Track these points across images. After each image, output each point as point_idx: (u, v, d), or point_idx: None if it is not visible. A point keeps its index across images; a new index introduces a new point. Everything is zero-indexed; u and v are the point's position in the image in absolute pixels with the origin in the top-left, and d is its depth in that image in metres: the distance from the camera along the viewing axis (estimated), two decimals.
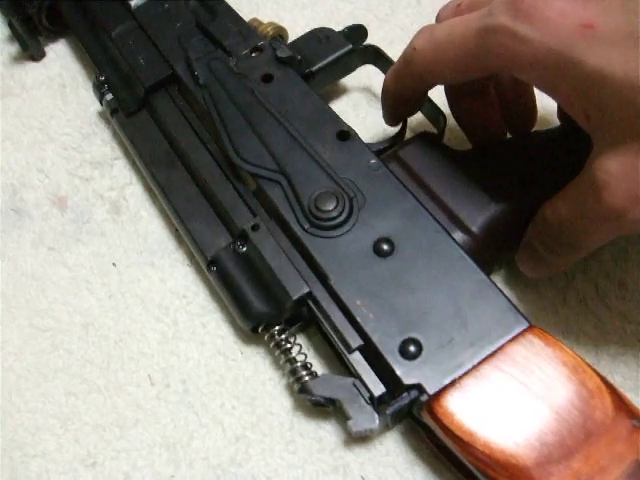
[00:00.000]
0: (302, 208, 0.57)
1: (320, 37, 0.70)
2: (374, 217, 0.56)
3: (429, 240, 0.54)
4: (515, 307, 0.51)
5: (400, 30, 0.80)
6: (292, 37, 0.73)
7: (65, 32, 0.86)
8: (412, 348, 0.50)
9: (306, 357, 0.58)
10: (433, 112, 0.65)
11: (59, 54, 0.85)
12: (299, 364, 0.56)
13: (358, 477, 0.56)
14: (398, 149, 0.61)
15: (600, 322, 0.59)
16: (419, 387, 0.49)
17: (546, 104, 0.61)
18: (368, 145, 0.60)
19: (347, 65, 0.71)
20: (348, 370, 0.54)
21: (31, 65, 0.84)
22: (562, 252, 0.53)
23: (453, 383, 0.48)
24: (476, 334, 0.50)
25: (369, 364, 0.52)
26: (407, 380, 0.49)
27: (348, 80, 0.75)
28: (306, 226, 0.57)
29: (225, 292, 0.60)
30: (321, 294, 0.55)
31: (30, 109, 0.80)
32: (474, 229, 0.56)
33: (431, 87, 0.59)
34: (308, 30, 0.72)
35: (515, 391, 0.47)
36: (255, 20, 0.73)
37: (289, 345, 0.58)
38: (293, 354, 0.57)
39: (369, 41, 0.72)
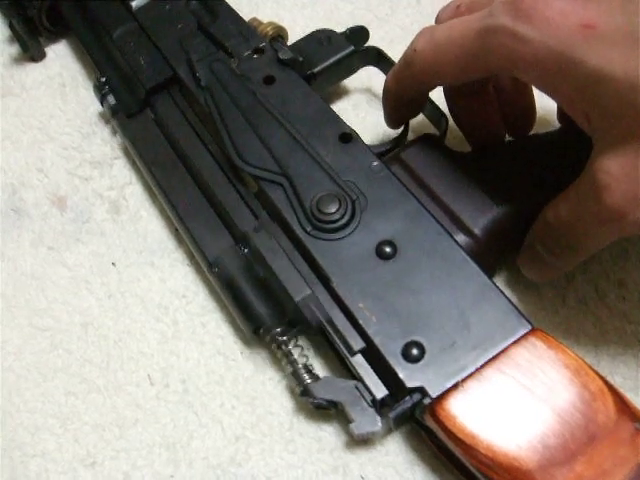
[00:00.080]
0: (304, 210, 0.57)
1: (322, 39, 0.70)
2: (376, 219, 0.56)
3: (431, 242, 0.54)
4: (518, 310, 0.51)
5: (400, 30, 0.80)
6: (292, 37, 0.73)
7: (66, 33, 0.86)
8: (415, 351, 0.50)
9: (308, 359, 0.57)
10: (434, 113, 0.65)
11: (59, 54, 0.85)
12: (301, 366, 0.56)
13: (358, 477, 0.56)
14: (400, 151, 0.61)
15: (600, 322, 0.59)
16: (422, 390, 0.49)
17: (546, 105, 0.61)
18: (370, 147, 0.60)
19: (349, 67, 0.71)
20: (350, 373, 0.54)
21: (31, 65, 0.84)
22: (563, 254, 0.53)
23: (456, 386, 0.48)
24: (479, 337, 0.50)
25: (371, 367, 0.52)
26: (410, 383, 0.49)
27: (349, 81, 0.75)
28: (308, 228, 0.57)
29: (227, 294, 0.60)
30: (323, 297, 0.55)
31: (30, 109, 0.80)
32: (476, 231, 0.56)
33: (432, 88, 0.59)
34: (308, 30, 0.72)
35: (518, 394, 0.47)
36: (255, 20, 0.73)
37: (291, 347, 0.58)
38: (295, 356, 0.57)
39: (369, 41, 0.72)
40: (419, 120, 0.66)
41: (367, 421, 0.52)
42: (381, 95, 0.63)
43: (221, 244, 0.62)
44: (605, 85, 0.44)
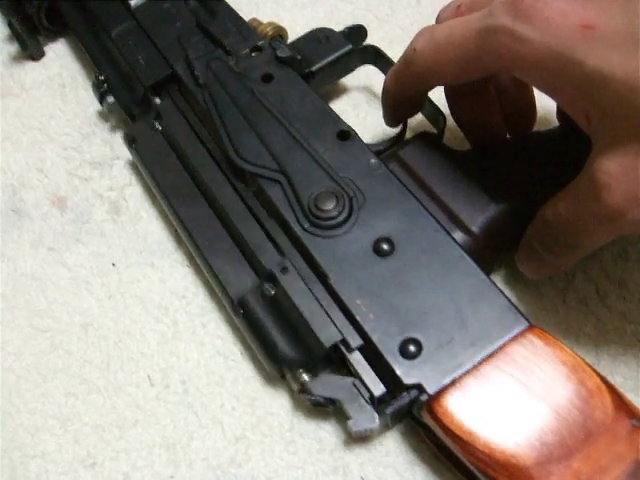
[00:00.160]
0: (302, 208, 0.57)
1: (320, 37, 0.70)
2: (374, 217, 0.56)
3: (429, 240, 0.54)
4: (515, 307, 0.51)
5: (400, 30, 0.80)
6: (292, 37, 0.73)
7: (65, 32, 0.86)
8: (412, 348, 0.50)
9: None
10: (433, 112, 0.65)
11: (58, 54, 0.85)
12: None
13: (358, 477, 0.56)
14: (398, 149, 0.62)
15: (600, 322, 0.59)
16: (419, 387, 0.49)
17: (546, 104, 0.61)
18: (368, 145, 0.60)
19: (347, 65, 0.71)
20: (348, 370, 0.54)
21: (30, 65, 0.84)
22: (561, 252, 0.53)
23: (453, 383, 0.48)
24: (476, 334, 0.50)
25: (369, 364, 0.52)
26: (407, 380, 0.49)
27: (348, 80, 0.75)
28: (306, 225, 0.57)
29: (252, 335, 0.59)
30: (321, 294, 0.55)
31: (30, 109, 0.80)
32: (474, 229, 0.56)
33: (431, 88, 0.59)
34: (308, 30, 0.72)
35: (515, 391, 0.47)
36: (255, 20, 0.73)
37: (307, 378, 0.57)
38: None
39: (369, 41, 0.72)
40: (417, 119, 0.66)
41: (365, 418, 0.52)
42: (380, 94, 0.62)
43: (245, 283, 0.60)
44: (605, 85, 0.44)
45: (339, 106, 0.75)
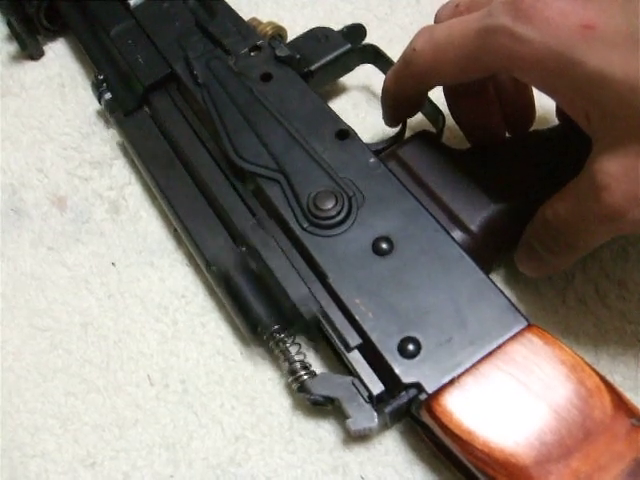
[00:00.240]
0: (301, 207, 0.57)
1: (319, 36, 0.70)
2: (373, 216, 0.56)
3: (428, 239, 0.54)
4: (514, 306, 0.51)
5: (399, 30, 0.80)
6: (292, 37, 0.73)
7: (64, 31, 0.86)
8: (411, 347, 0.50)
9: (305, 356, 0.57)
10: (432, 112, 0.65)
11: (58, 53, 0.85)
12: (298, 363, 0.56)
13: (357, 477, 0.56)
14: (397, 148, 0.61)
15: (600, 322, 0.59)
16: (418, 386, 0.49)
17: (545, 104, 0.61)
18: (367, 144, 0.60)
19: (346, 64, 0.71)
20: (347, 369, 0.55)
21: (30, 64, 0.84)
22: (561, 252, 0.53)
23: (452, 382, 0.48)
24: (475, 333, 0.50)
25: (368, 363, 0.52)
26: (406, 379, 0.49)
27: (347, 79, 0.75)
28: (305, 225, 0.57)
29: (224, 292, 0.60)
30: (320, 293, 0.55)
31: (29, 109, 0.80)
32: (473, 228, 0.56)
33: (431, 88, 0.59)
34: (307, 30, 0.72)
35: (514, 390, 0.47)
36: (254, 19, 0.74)
37: (288, 345, 0.57)
38: (292, 353, 0.57)
39: (368, 40, 0.72)
40: (417, 118, 0.66)
41: (364, 417, 0.52)
42: (380, 94, 0.62)
43: (219, 242, 0.61)
44: (605, 86, 0.44)
45: (338, 105, 0.75)
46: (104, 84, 0.74)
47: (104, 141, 0.76)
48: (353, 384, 0.53)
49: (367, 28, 0.73)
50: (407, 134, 0.64)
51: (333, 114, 0.62)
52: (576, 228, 0.50)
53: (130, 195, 0.72)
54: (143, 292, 0.66)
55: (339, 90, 0.76)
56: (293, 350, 0.57)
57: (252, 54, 0.67)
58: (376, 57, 0.70)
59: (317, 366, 0.59)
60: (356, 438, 0.56)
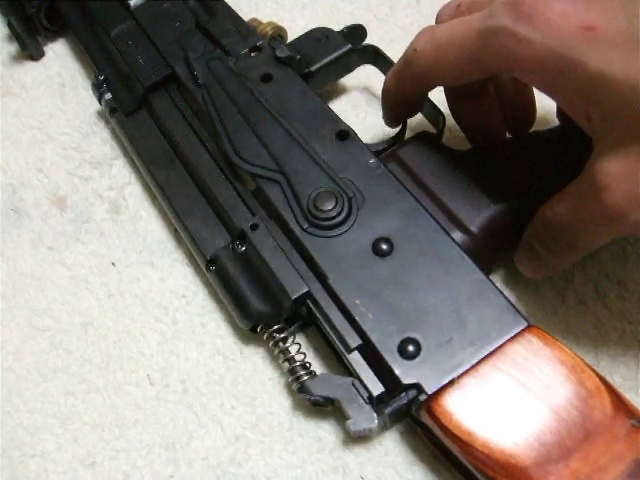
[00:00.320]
0: (301, 208, 0.57)
1: (319, 37, 0.70)
2: (373, 217, 0.56)
3: (428, 240, 0.54)
4: (514, 307, 0.51)
5: (400, 30, 0.80)
6: (291, 37, 0.73)
7: (64, 32, 0.86)
8: (411, 348, 0.50)
9: (305, 356, 0.57)
10: (432, 112, 0.65)
11: (58, 54, 0.85)
12: (298, 363, 0.56)
13: (357, 477, 0.56)
14: (397, 149, 0.62)
15: (599, 322, 0.59)
16: (418, 387, 0.49)
17: (545, 104, 0.61)
18: (367, 145, 0.60)
19: (346, 65, 0.71)
20: (347, 370, 0.55)
21: (30, 65, 0.84)
22: (561, 252, 0.53)
23: (452, 383, 0.48)
24: (475, 334, 0.50)
25: (368, 364, 0.52)
26: (406, 380, 0.50)
27: (347, 80, 0.75)
28: (305, 226, 0.57)
29: (224, 292, 0.60)
30: (320, 294, 0.55)
31: (29, 109, 0.80)
32: (473, 229, 0.56)
33: (432, 88, 0.59)
34: (307, 30, 0.72)
35: (514, 391, 0.47)
36: (254, 20, 0.73)
37: (288, 344, 0.58)
38: (292, 353, 0.57)
39: (368, 41, 0.72)
40: (417, 119, 0.66)
41: (363, 418, 0.52)
42: (380, 94, 0.62)
43: (218, 241, 0.62)
44: (605, 87, 0.44)
45: (338, 106, 0.75)
46: (104, 85, 0.74)
47: (104, 141, 0.76)
48: (353, 385, 0.53)
49: (367, 28, 0.72)
50: (407, 134, 0.64)
51: (333, 115, 0.62)
52: (576, 228, 0.50)
53: (130, 195, 0.72)
54: (143, 292, 0.66)
55: (339, 91, 0.76)
56: (293, 350, 0.57)
57: (252, 55, 0.67)
58: (376, 58, 0.70)
59: (317, 366, 0.59)
60: (356, 439, 0.56)
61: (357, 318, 0.52)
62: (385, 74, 0.61)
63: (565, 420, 0.45)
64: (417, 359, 0.50)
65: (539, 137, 0.62)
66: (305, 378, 0.55)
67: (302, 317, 0.59)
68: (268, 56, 0.67)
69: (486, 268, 0.55)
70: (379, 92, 0.63)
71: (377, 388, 0.52)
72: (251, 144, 0.62)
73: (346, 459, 0.56)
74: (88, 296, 0.67)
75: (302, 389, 0.55)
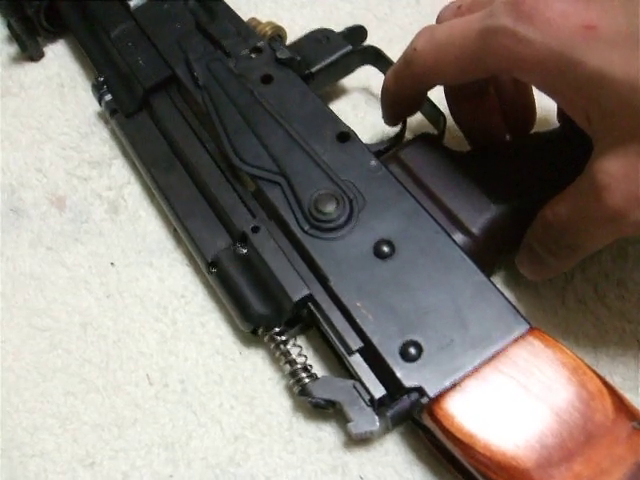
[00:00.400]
0: (302, 210, 0.57)
1: (320, 38, 0.70)
2: (374, 219, 0.56)
3: (429, 242, 0.54)
4: (515, 309, 0.51)
5: (399, 30, 0.80)
6: (291, 37, 0.73)
7: (64, 32, 0.85)
8: (412, 350, 0.50)
9: (306, 359, 0.57)
10: (433, 113, 0.65)
11: (58, 54, 0.85)
12: (299, 366, 0.56)
13: (357, 477, 0.56)
14: (398, 150, 0.61)
15: (599, 322, 0.59)
16: (419, 389, 0.49)
17: (546, 104, 0.61)
18: (368, 146, 0.60)
19: (347, 66, 0.71)
20: (348, 372, 0.54)
21: (30, 65, 0.84)
22: (562, 254, 0.53)
23: (454, 385, 0.48)
24: (476, 336, 0.50)
25: (369, 366, 0.52)
26: (407, 382, 0.50)
27: (347, 80, 0.75)
28: (306, 228, 0.57)
29: (225, 294, 0.60)
30: (321, 296, 0.55)
31: (29, 109, 0.80)
32: (474, 230, 0.56)
33: (431, 88, 0.59)
34: (307, 30, 0.72)
35: (515, 393, 0.47)
36: (253, 20, 0.73)
37: (289, 347, 0.58)
38: (293, 356, 0.57)
39: (368, 41, 0.72)
40: (418, 120, 0.66)
41: (365, 420, 0.52)
42: (380, 95, 0.62)
43: (219, 244, 0.62)
44: (605, 86, 0.44)
45: (339, 107, 0.75)
46: (105, 86, 0.74)
47: (103, 141, 0.76)
48: (354, 387, 0.53)
49: (367, 28, 0.72)
50: (407, 135, 0.64)
51: (334, 116, 0.62)
52: (577, 229, 0.50)
53: (129, 195, 0.72)
54: (142, 292, 0.66)
55: (339, 91, 0.76)
56: (294, 352, 0.57)
57: (253, 56, 0.67)
58: (377, 58, 0.70)
59: (318, 368, 0.59)
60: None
61: (358, 320, 0.52)
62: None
63: (567, 422, 0.45)
64: (419, 361, 0.50)
65: (539, 138, 0.62)
66: (306, 381, 0.55)
67: (303, 319, 0.59)
68: (268, 57, 0.67)
69: (487, 270, 0.55)
70: (379, 92, 0.63)
71: (379, 391, 0.51)
72: (251, 145, 0.62)
73: (345, 459, 0.56)
74: (87, 296, 0.67)
75: (303, 392, 0.55)
